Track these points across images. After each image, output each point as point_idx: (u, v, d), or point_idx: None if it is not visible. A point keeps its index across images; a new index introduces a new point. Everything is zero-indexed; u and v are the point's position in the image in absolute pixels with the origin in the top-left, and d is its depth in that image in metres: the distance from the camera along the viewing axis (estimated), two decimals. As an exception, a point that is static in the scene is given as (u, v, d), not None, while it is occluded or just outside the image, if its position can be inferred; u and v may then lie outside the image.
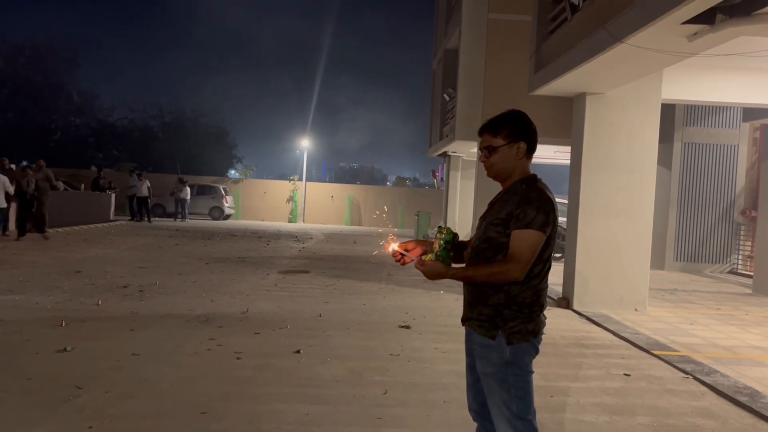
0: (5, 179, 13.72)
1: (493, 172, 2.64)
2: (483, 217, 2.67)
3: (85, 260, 11.36)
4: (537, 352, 2.55)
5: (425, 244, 2.73)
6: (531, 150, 2.63)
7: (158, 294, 8.25)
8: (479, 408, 2.69)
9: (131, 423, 3.80)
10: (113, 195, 23.07)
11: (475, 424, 2.78)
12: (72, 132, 43.20)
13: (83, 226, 18.66)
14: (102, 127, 43.70)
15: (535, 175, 2.64)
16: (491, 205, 2.67)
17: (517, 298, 2.48)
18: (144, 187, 23.14)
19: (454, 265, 2.61)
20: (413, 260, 2.63)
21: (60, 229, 16.60)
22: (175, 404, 4.15)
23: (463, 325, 2.69)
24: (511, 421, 2.46)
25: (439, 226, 2.64)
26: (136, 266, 10.80)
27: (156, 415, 3.95)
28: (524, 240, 2.43)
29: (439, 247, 2.57)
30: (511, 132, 2.58)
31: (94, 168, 29.90)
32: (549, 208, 2.47)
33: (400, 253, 2.69)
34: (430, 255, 2.57)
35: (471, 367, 2.69)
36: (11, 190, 13.78)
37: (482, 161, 2.64)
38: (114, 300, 7.67)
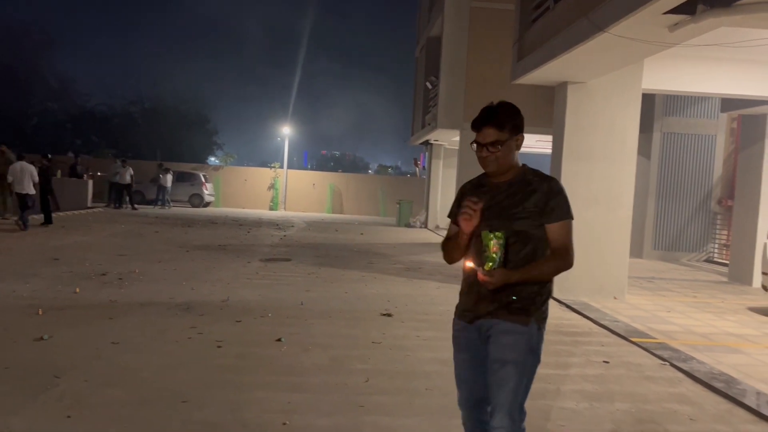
0: (32, 168, 14.02)
1: (495, 166, 2.60)
2: (490, 209, 2.57)
3: (62, 247, 11.20)
4: None
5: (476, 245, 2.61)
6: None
7: (138, 282, 8.16)
8: (475, 402, 2.70)
9: (111, 412, 3.77)
10: (90, 181, 22.72)
11: (457, 414, 2.79)
12: (49, 117, 42.44)
13: (60, 213, 18.38)
14: (80, 113, 42.99)
15: (527, 165, 2.71)
16: (492, 196, 2.60)
17: (546, 285, 2.62)
18: (127, 174, 22.86)
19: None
20: (478, 270, 2.53)
21: (36, 216, 16.32)
22: (156, 393, 4.12)
23: (473, 322, 2.63)
24: (513, 409, 2.50)
25: (492, 232, 2.50)
26: (115, 254, 10.68)
27: (136, 403, 3.92)
28: (569, 231, 2.60)
29: (500, 251, 2.49)
30: (514, 125, 2.59)
31: (71, 154, 29.38)
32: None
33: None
34: (489, 263, 2.49)
35: (472, 363, 2.66)
36: (36, 178, 14.10)
37: (485, 156, 2.59)
38: (92, 288, 7.58)
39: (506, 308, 2.55)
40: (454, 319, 2.75)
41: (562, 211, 2.57)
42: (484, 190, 2.66)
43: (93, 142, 42.84)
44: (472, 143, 2.64)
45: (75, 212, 19.60)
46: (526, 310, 2.55)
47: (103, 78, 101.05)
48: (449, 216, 2.81)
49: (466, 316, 2.66)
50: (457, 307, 2.74)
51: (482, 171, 2.72)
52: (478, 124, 2.59)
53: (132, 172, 23.12)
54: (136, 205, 23.47)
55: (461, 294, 2.73)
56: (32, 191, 13.97)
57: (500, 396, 2.51)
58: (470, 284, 2.65)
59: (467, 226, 2.56)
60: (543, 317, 2.60)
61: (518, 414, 2.52)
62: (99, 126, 43.08)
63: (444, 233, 19.03)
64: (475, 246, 2.58)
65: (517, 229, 2.54)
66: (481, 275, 2.49)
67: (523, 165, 2.68)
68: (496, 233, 2.48)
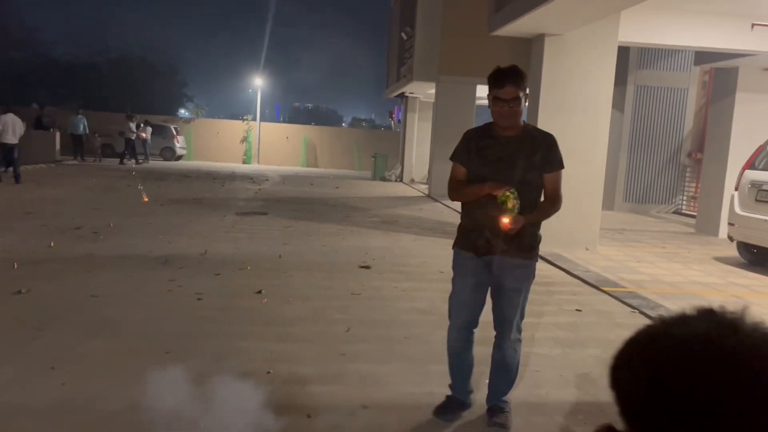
0: (18, 120, 14.13)
1: (514, 120, 2.99)
2: (503, 160, 3.00)
3: (34, 201, 11.00)
4: None
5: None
6: None
7: (114, 235, 8.10)
8: (469, 323, 3.22)
9: (95, 363, 3.81)
10: (58, 134, 22.13)
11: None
12: (12, 67, 40.83)
13: (28, 167, 17.95)
14: (44, 63, 41.43)
15: (524, 121, 3.13)
16: (503, 148, 3.02)
17: (539, 227, 3.17)
18: (80, 125, 22.48)
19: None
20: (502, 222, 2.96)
21: (4, 170, 15.92)
22: (139, 344, 4.16)
23: (485, 256, 3.07)
24: (518, 324, 3.18)
25: (506, 192, 2.89)
26: (89, 207, 10.54)
27: (120, 354, 3.96)
28: (560, 179, 3.11)
29: (517, 204, 2.91)
30: (526, 84, 3.00)
31: (35, 105, 28.47)
32: None
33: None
34: (509, 213, 2.91)
35: (476, 288, 3.16)
36: (23, 131, 14.26)
37: (506, 110, 2.92)
38: (67, 242, 7.51)
39: (518, 248, 3.05)
40: (457, 250, 3.19)
41: (559, 162, 3.07)
42: (492, 142, 3.06)
43: (58, 93, 41.47)
44: (492, 97, 2.95)
45: (44, 165, 19.16)
46: (533, 247, 3.12)
47: (68, 27, 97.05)
48: (452, 158, 3.19)
49: (478, 250, 3.09)
50: (459, 240, 3.19)
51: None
52: (501, 82, 2.91)
53: (85, 122, 22.71)
54: (96, 159, 23.16)
55: (465, 230, 3.16)
56: (16, 142, 13.89)
57: (512, 315, 3.12)
58: (481, 226, 3.05)
59: (490, 189, 2.94)
60: (539, 252, 3.20)
61: (521, 325, 3.20)
62: (64, 77, 41.65)
63: (420, 187, 19.11)
64: (493, 200, 2.95)
65: (527, 179, 3.00)
66: (504, 225, 2.92)
67: (524, 121, 3.08)
68: (511, 191, 2.89)
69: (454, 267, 3.22)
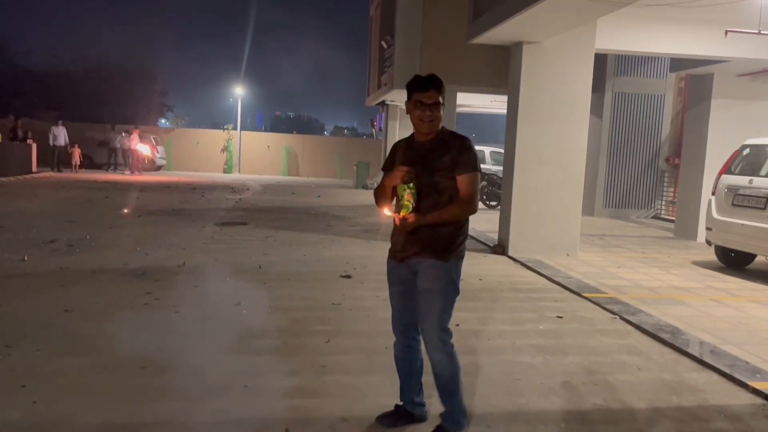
0: None
1: (434, 126, 3.05)
2: (415, 164, 3.02)
3: (7, 214, 10.79)
4: None
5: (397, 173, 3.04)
6: None
7: (89, 248, 7.95)
8: (404, 327, 3.23)
9: (67, 380, 3.70)
10: (34, 145, 21.81)
11: None
12: (-15, 78, 40.19)
13: (2, 179, 17.66)
14: (18, 73, 40.84)
15: (444, 127, 3.16)
16: (417, 153, 3.08)
17: (462, 227, 3.11)
18: (61, 136, 22.42)
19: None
20: (395, 216, 3.05)
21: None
22: (113, 360, 4.06)
23: (402, 260, 3.13)
24: (440, 330, 3.06)
25: (405, 184, 2.99)
26: (63, 220, 10.35)
27: (93, 371, 3.86)
28: (474, 182, 3.03)
29: (412, 200, 2.99)
30: (444, 90, 3.05)
31: (11, 117, 28.03)
32: (476, 153, 3.08)
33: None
34: (404, 210, 2.99)
35: (402, 294, 3.19)
36: None
37: (424, 116, 3.00)
38: (41, 255, 7.35)
39: (430, 248, 3.04)
40: (387, 260, 3.25)
41: (470, 165, 3.01)
42: (412, 149, 3.13)
43: (33, 103, 40.88)
44: (414, 101, 3.01)
45: (19, 177, 18.85)
46: (446, 248, 3.05)
47: (42, 36, 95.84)
48: (383, 168, 3.26)
49: (396, 257, 3.16)
50: (389, 249, 3.23)
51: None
52: (425, 86, 3.00)
53: (65, 133, 22.62)
54: (79, 170, 22.99)
55: (391, 237, 3.22)
56: None
57: (429, 318, 3.06)
58: (397, 231, 3.14)
59: (390, 182, 3.06)
60: (460, 255, 3.12)
61: (444, 333, 3.06)
62: (39, 87, 41.06)
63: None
64: (395, 196, 3.09)
65: (434, 180, 3.01)
66: (398, 220, 3.01)
67: (443, 127, 3.12)
68: (409, 184, 2.98)
69: (387, 275, 3.28)
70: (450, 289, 3.07)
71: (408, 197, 2.98)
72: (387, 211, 3.15)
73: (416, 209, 3.01)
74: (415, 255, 3.07)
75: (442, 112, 3.04)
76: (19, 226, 9.44)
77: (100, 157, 25.14)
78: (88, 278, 6.35)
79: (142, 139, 24.28)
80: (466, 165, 2.99)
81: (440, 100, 3.01)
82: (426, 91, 2.99)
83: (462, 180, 2.99)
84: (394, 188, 3.06)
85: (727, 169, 8.30)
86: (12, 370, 3.81)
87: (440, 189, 3.01)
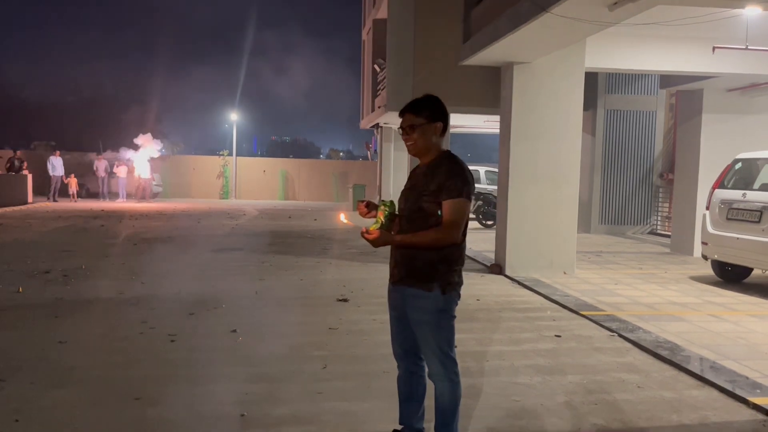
0: None
1: (414, 149, 3.02)
2: (410, 189, 3.05)
3: (2, 245, 10.74)
4: (459, 298, 3.05)
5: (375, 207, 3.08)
6: (445, 130, 3.05)
7: (84, 278, 7.91)
8: (404, 352, 3.16)
9: (61, 414, 3.65)
10: (30, 176, 21.84)
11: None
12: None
13: (-2, 210, 17.63)
14: (12, 104, 41.07)
15: (450, 151, 3.07)
16: (415, 177, 3.06)
17: (448, 256, 2.95)
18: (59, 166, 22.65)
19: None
20: (362, 230, 2.98)
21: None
22: (108, 392, 4.02)
23: (392, 284, 3.09)
24: (442, 359, 2.98)
25: (382, 200, 3.03)
26: (59, 250, 10.31)
27: (87, 403, 3.81)
28: (459, 208, 2.88)
29: (384, 217, 2.96)
30: (431, 113, 2.99)
31: (8, 148, 28.11)
32: (470, 179, 2.95)
33: (365, 206, 3.07)
34: (374, 224, 2.96)
35: (398, 320, 3.13)
36: None
37: (404, 138, 3.03)
38: (36, 286, 7.31)
39: (412, 275, 2.96)
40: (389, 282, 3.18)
41: (455, 191, 2.88)
42: (415, 172, 3.11)
43: (28, 134, 41.03)
44: (399, 128, 3.08)
45: (15, 208, 18.82)
46: (429, 277, 2.93)
47: (37, 67, 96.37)
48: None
49: (391, 279, 3.10)
50: None
51: None
52: (401, 112, 3.05)
53: (61, 163, 22.85)
54: (76, 199, 23.05)
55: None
56: None
57: (427, 350, 3.01)
58: (391, 252, 3.07)
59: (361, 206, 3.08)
60: (447, 283, 2.94)
61: (448, 362, 2.99)
62: (34, 117, 41.26)
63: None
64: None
65: (420, 206, 2.94)
66: (363, 232, 2.93)
67: (445, 151, 3.04)
68: (385, 202, 3.00)
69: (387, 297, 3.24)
70: (440, 318, 2.96)
71: (381, 214, 2.97)
72: (343, 218, 3.24)
73: (400, 231, 2.99)
74: (401, 281, 3.02)
75: (431, 133, 2.97)
76: (14, 257, 9.40)
77: (95, 186, 25.18)
78: (83, 308, 6.30)
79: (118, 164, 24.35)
80: (451, 191, 2.87)
81: (419, 122, 2.96)
82: (402, 115, 3.03)
83: (444, 206, 2.88)
84: (376, 206, 3.07)
85: (720, 184, 8.34)
86: (5, 404, 3.76)
87: (426, 214, 2.92)
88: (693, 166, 11.25)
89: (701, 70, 9.55)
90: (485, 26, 8.34)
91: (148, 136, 24.44)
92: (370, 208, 3.07)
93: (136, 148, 24.79)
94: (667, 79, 11.59)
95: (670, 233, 12.94)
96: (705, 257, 8.45)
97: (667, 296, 7.45)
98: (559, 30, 7.14)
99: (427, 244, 2.90)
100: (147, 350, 4.95)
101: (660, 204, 15.22)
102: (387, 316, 6.15)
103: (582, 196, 9.62)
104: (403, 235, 2.95)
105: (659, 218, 15.24)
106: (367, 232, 2.92)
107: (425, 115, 2.98)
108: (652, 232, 15.16)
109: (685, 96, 11.63)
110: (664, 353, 5.00)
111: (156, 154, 25.05)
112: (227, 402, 3.87)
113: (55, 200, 22.35)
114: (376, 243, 2.92)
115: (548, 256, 8.80)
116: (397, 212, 3.03)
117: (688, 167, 11.41)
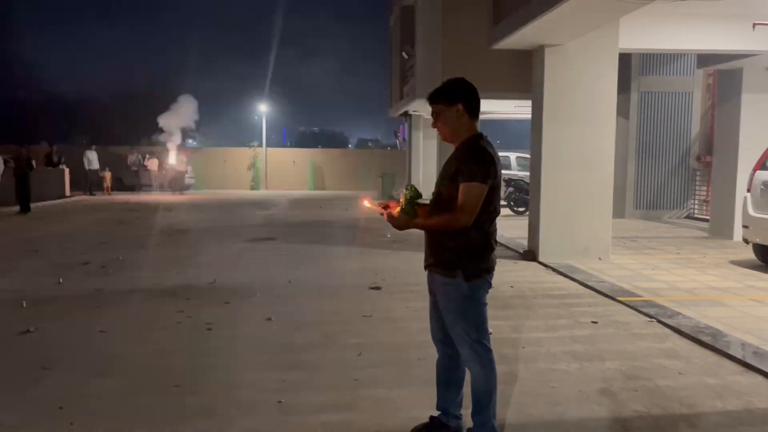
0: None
1: (442, 135, 3.07)
2: (440, 175, 3.10)
3: (41, 238, 11.02)
4: (490, 286, 3.04)
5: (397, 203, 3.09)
6: (471, 109, 3.00)
7: (122, 269, 8.07)
8: (443, 337, 3.15)
9: (104, 401, 3.73)
10: (67, 170, 22.34)
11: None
12: (18, 106, 41.42)
13: (39, 204, 18.07)
14: (50, 100, 42.05)
15: (480, 134, 3.01)
16: (446, 163, 3.07)
17: (472, 242, 2.93)
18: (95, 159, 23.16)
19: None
20: (384, 213, 3.05)
21: (13, 208, 16.05)
22: (148, 380, 4.09)
23: (425, 269, 3.11)
24: (472, 345, 2.98)
25: (406, 185, 3.08)
26: (96, 242, 10.53)
27: (128, 392, 3.89)
28: (469, 192, 2.85)
29: (405, 201, 2.98)
30: (446, 97, 2.99)
31: (45, 143, 28.76)
32: (488, 162, 2.88)
33: (383, 208, 3.09)
34: (398, 208, 2.99)
35: (434, 305, 3.15)
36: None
37: (433, 127, 3.09)
38: (76, 278, 7.48)
39: (438, 262, 3.00)
40: None
41: (469, 174, 2.85)
42: (449, 157, 3.08)
43: (64, 129, 41.98)
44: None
45: (53, 202, 19.29)
46: (452, 263, 2.94)
47: (73, 63, 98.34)
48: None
49: (424, 265, 3.12)
50: None
51: None
52: (429, 100, 3.07)
53: (96, 157, 23.41)
54: (111, 192, 23.55)
55: None
56: None
57: (455, 335, 3.02)
58: (424, 239, 3.10)
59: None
60: (472, 269, 2.93)
61: (478, 347, 2.98)
62: (70, 113, 42.20)
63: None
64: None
65: (440, 191, 2.99)
66: (386, 216, 3.01)
67: (474, 135, 2.99)
68: (409, 187, 3.01)
69: None
70: (466, 305, 2.95)
71: (403, 198, 3.01)
72: (367, 203, 3.27)
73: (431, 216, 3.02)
74: (430, 267, 3.08)
75: (453, 115, 2.97)
76: (53, 250, 9.64)
77: (130, 179, 25.67)
78: (122, 299, 6.43)
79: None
80: (465, 174, 2.86)
81: (437, 109, 3.00)
82: (430, 104, 3.06)
83: (460, 189, 2.86)
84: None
85: (762, 165, 8.09)
86: (50, 392, 3.86)
87: (448, 197, 2.93)
88: (732, 148, 10.94)
89: (741, 48, 9.25)
90: (516, 9, 8.19)
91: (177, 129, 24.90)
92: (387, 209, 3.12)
93: (168, 140, 25.23)
94: (704, 59, 11.25)
95: (708, 217, 12.64)
96: (746, 241, 8.22)
97: (707, 281, 7.27)
98: (594, 10, 6.98)
99: (440, 227, 2.94)
100: (185, 339, 5.03)
101: (697, 187, 14.86)
102: (419, 304, 6.16)
103: (616, 180, 9.41)
104: (419, 219, 2.98)
105: (696, 202, 14.88)
106: (389, 216, 3.00)
107: (442, 100, 3.00)
108: (689, 217, 14.82)
109: (723, 75, 11.29)
110: (705, 339, 4.88)
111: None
112: (264, 389, 3.91)
113: (92, 194, 22.86)
114: (397, 226, 2.99)
115: (583, 241, 8.66)
116: (422, 197, 3.04)
117: (728, 149, 11.10)
